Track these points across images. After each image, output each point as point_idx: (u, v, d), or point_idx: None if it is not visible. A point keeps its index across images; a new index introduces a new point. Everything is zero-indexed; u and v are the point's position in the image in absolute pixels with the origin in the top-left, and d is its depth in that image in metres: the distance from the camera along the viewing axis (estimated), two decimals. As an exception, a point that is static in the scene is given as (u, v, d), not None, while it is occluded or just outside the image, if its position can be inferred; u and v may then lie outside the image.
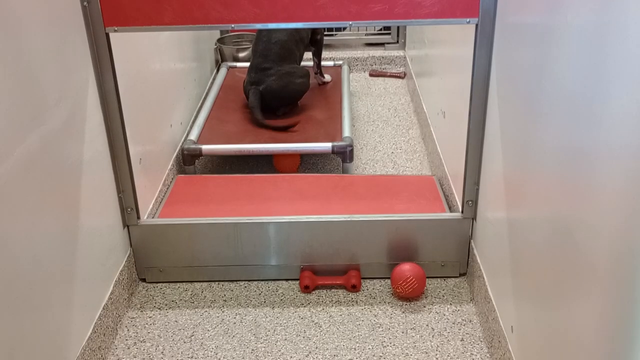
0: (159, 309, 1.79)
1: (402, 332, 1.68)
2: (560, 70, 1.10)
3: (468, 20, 1.54)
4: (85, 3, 1.51)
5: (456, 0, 1.51)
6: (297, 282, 1.88)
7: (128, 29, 1.55)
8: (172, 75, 2.44)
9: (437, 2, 1.51)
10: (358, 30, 3.82)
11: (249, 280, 1.89)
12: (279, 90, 2.52)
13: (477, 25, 1.55)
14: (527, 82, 1.29)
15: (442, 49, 2.36)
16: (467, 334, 1.67)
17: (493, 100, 1.57)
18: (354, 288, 1.83)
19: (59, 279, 1.39)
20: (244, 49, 3.41)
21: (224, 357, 1.62)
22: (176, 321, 1.74)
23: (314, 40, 2.88)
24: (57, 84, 1.39)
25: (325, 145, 2.33)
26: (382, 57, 3.62)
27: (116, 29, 1.54)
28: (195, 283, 1.89)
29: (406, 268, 1.78)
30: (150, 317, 1.76)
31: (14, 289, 1.20)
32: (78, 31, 1.50)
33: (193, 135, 2.44)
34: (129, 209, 1.78)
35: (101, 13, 1.52)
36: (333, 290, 1.85)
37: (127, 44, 1.84)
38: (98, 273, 1.61)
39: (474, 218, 1.79)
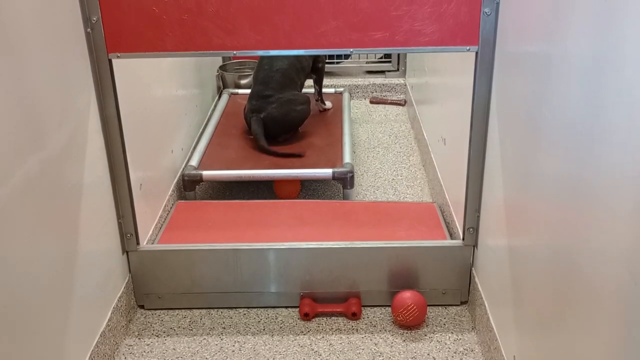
0: (157, 336, 1.77)
1: (403, 361, 1.66)
2: (560, 98, 1.11)
3: (468, 48, 1.55)
4: (88, 29, 1.52)
5: (456, 28, 1.52)
6: (297, 309, 1.86)
7: (131, 55, 1.56)
8: (173, 102, 2.46)
9: (437, 30, 1.53)
10: (359, 58, 3.85)
11: (248, 308, 1.87)
12: (280, 118, 2.53)
13: (477, 53, 1.56)
14: (527, 110, 1.29)
15: (442, 76, 2.38)
16: (468, 363, 1.65)
17: (493, 127, 1.57)
18: (354, 316, 1.81)
19: (56, 305, 1.38)
20: (245, 76, 3.43)
21: (222, 386, 1.60)
22: (174, 349, 1.72)
23: (316, 68, 2.89)
24: (58, 109, 1.40)
25: (326, 172, 2.33)
26: (383, 85, 3.64)
27: (119, 54, 1.55)
28: (194, 310, 1.87)
29: (407, 296, 1.76)
30: (148, 345, 1.74)
31: (9, 314, 1.19)
32: (81, 57, 1.51)
33: (194, 161, 2.44)
34: (129, 235, 1.77)
35: (104, 39, 1.53)
36: (333, 318, 1.83)
37: (129, 70, 1.85)
38: (96, 299, 1.60)
39: (475, 245, 1.78)
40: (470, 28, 1.52)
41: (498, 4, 1.49)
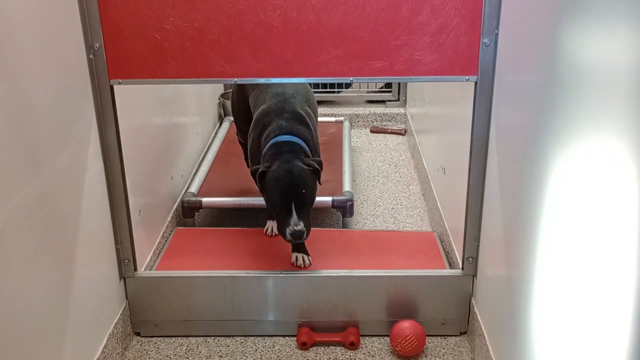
0: (153, 364, 1.75)
1: (402, 393, 1.64)
2: (558, 128, 1.11)
3: (467, 77, 1.56)
4: (91, 56, 1.54)
5: (455, 58, 1.54)
6: (295, 338, 1.84)
7: (132, 82, 1.57)
8: (174, 129, 2.47)
9: (436, 59, 1.54)
10: (360, 88, 3.87)
11: (245, 336, 1.85)
12: None
13: (476, 82, 1.57)
14: (526, 139, 1.29)
15: (442, 106, 2.39)
16: (468, 395, 1.63)
17: (493, 156, 1.57)
18: (353, 345, 1.79)
19: (51, 331, 1.37)
20: (246, 104, 3.44)
21: (217, 416, 1.57)
22: (169, 377, 1.70)
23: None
24: (59, 134, 1.40)
25: (326, 200, 2.32)
26: (383, 114, 3.66)
27: (120, 81, 1.57)
28: (190, 338, 1.85)
29: (406, 325, 1.74)
30: (143, 373, 1.72)
31: (2, 339, 1.17)
32: (82, 83, 1.53)
33: (193, 188, 2.44)
34: (126, 261, 1.76)
35: (106, 65, 1.54)
36: (331, 347, 1.81)
37: (130, 97, 1.86)
38: (92, 326, 1.58)
39: (474, 275, 1.77)
40: (470, 58, 1.53)
41: (497, 34, 1.50)
